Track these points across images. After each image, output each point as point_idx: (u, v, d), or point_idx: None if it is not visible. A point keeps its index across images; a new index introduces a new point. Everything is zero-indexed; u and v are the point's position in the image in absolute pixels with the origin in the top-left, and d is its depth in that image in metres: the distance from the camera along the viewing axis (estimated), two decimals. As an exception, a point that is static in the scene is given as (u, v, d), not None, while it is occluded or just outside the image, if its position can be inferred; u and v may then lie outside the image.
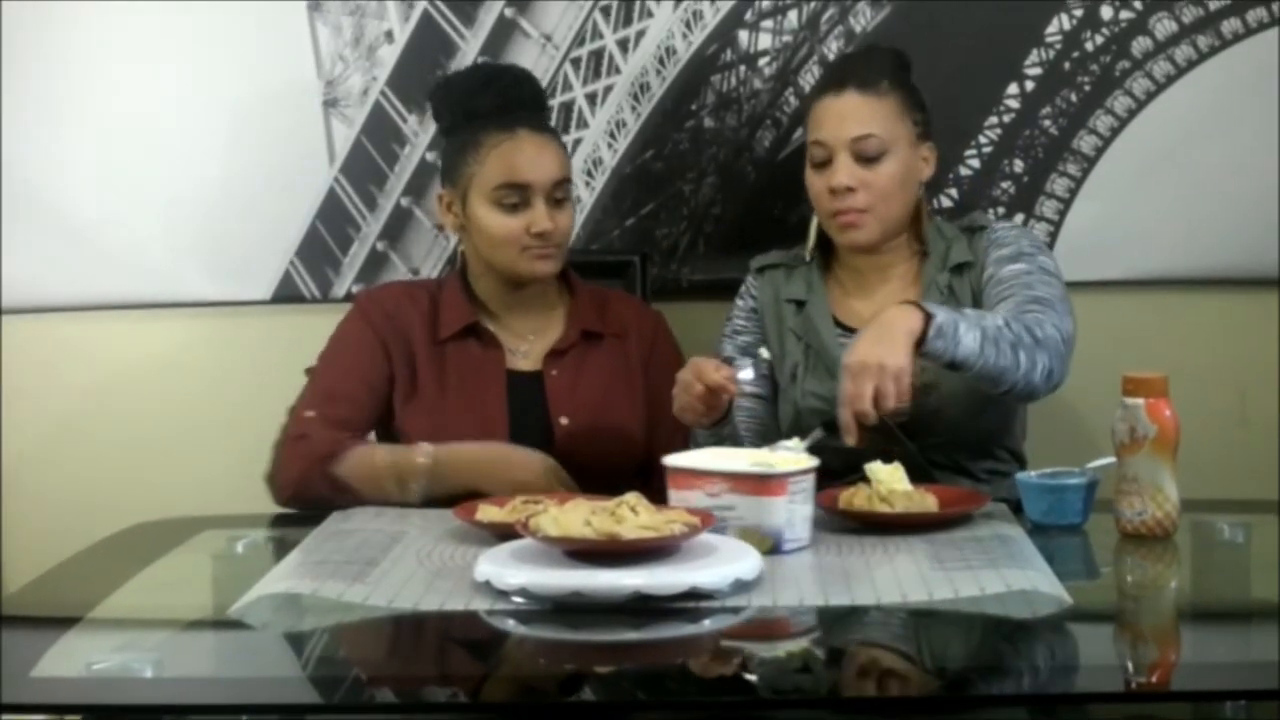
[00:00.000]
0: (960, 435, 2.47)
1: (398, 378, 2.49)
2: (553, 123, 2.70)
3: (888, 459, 2.24)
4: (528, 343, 2.55)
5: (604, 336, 2.57)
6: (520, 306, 2.55)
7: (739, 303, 2.63)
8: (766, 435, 2.47)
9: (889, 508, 2.17)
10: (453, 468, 2.35)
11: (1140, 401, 2.13)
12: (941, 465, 2.48)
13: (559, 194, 2.49)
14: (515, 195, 2.47)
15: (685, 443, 2.39)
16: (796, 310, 2.56)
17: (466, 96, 2.52)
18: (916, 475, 2.27)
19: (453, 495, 2.30)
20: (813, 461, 2.09)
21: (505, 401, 2.48)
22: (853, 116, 2.47)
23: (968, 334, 2.22)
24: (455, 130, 2.53)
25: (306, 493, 2.40)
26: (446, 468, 2.35)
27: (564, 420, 2.49)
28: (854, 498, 2.20)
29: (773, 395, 2.56)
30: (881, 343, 2.17)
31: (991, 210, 2.95)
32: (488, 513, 2.22)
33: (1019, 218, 2.96)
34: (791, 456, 2.10)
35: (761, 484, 2.04)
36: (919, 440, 2.46)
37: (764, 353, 2.44)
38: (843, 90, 2.48)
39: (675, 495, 2.07)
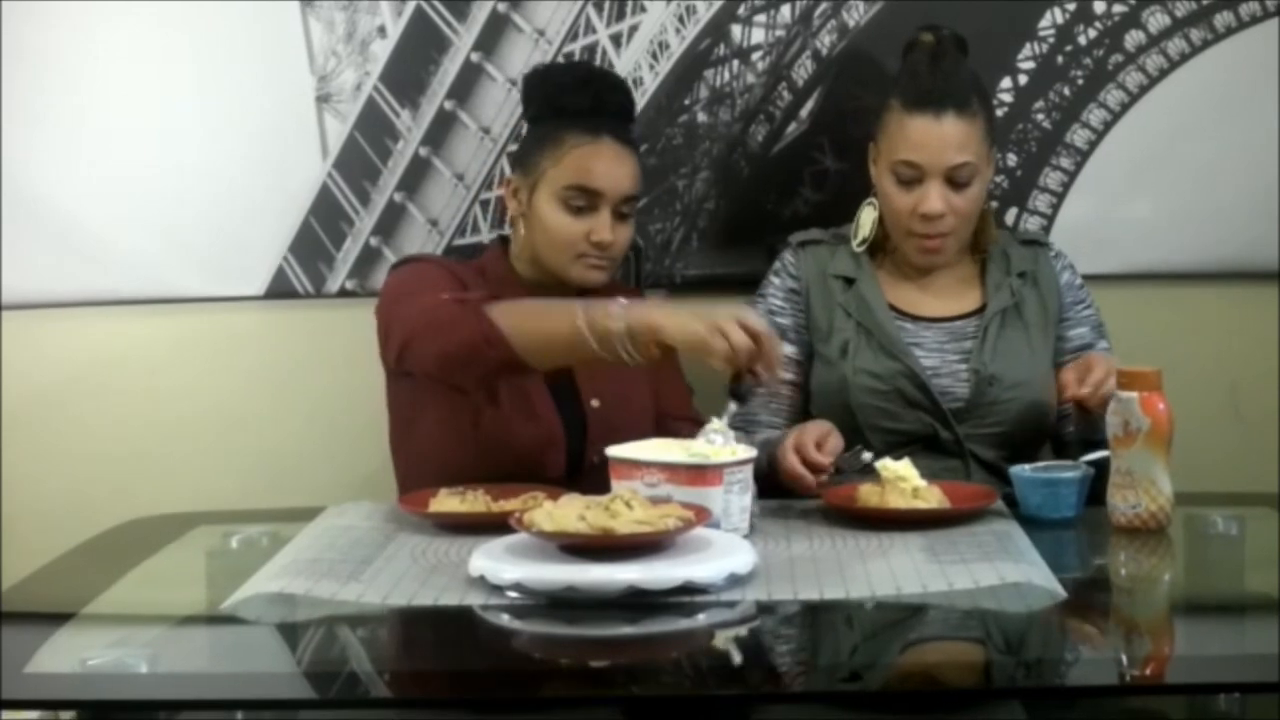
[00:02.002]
0: (1007, 431, 2.52)
1: None
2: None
3: (932, 446, 2.38)
4: None
5: None
6: (556, 293, 2.54)
7: (774, 280, 2.62)
8: (797, 421, 2.50)
9: (907, 503, 2.18)
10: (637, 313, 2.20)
11: (1134, 395, 2.14)
12: (983, 458, 2.52)
13: (625, 209, 2.48)
14: (584, 199, 2.46)
15: (687, 408, 2.52)
16: (845, 286, 2.58)
17: (559, 91, 2.51)
18: (957, 468, 2.41)
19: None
20: (750, 452, 2.11)
21: (548, 390, 2.48)
22: (953, 144, 2.47)
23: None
24: (540, 121, 2.53)
25: (470, 348, 2.25)
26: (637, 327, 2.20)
27: (595, 403, 2.50)
28: (868, 494, 2.21)
29: (804, 380, 2.58)
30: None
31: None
32: (443, 503, 2.22)
33: (1012, 212, 2.96)
34: (727, 446, 2.10)
35: (698, 474, 2.05)
36: (966, 428, 2.50)
37: (867, 456, 2.33)
38: (942, 113, 2.46)
39: (616, 486, 2.08)
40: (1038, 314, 2.57)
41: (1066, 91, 2.96)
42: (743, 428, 2.48)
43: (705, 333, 2.13)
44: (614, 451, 2.12)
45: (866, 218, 2.58)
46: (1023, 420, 2.52)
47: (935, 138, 2.47)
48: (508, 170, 2.62)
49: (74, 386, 3.03)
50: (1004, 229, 2.72)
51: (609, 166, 2.46)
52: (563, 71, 2.59)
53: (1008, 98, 2.95)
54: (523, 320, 2.25)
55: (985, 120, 2.52)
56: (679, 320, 2.16)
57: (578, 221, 2.46)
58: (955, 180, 2.48)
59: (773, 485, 2.31)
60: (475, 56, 2.98)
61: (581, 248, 2.47)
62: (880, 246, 2.60)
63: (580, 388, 2.51)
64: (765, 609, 1.85)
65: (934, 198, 2.48)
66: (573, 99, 2.50)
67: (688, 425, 2.53)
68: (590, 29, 2.97)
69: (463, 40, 2.98)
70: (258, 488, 2.94)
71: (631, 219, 2.51)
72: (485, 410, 2.41)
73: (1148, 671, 1.76)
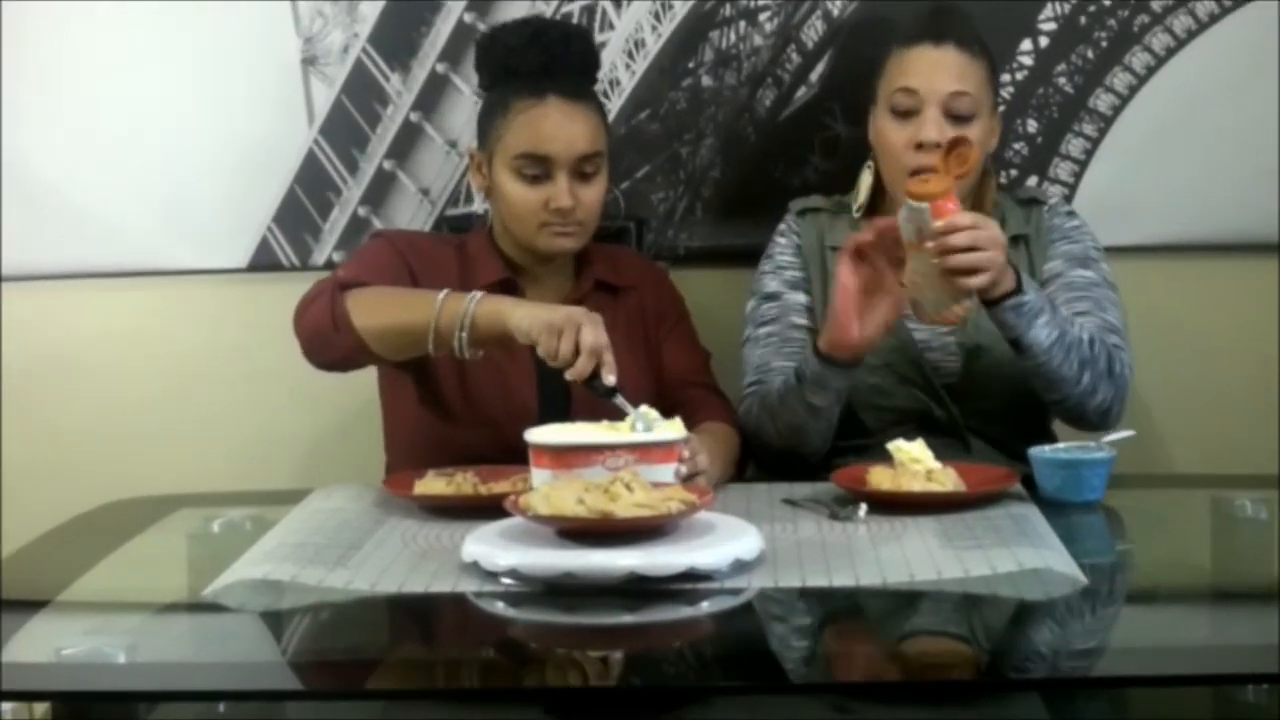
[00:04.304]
0: (1003, 407, 2.51)
1: None
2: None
3: (927, 424, 2.36)
4: (550, 300, 2.54)
5: (618, 290, 2.58)
6: (542, 267, 2.55)
7: (781, 240, 2.64)
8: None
9: (921, 486, 2.17)
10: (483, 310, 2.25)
11: (924, 206, 2.23)
12: (981, 436, 2.52)
13: (587, 168, 2.46)
14: (536, 167, 2.45)
15: (707, 384, 2.55)
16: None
17: (508, 52, 2.49)
18: (954, 446, 2.38)
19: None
20: (680, 430, 2.12)
21: (531, 361, 2.48)
22: (952, 71, 2.48)
23: (1045, 326, 2.33)
24: (493, 87, 2.52)
25: (319, 327, 2.33)
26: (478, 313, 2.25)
27: None
28: (880, 478, 2.21)
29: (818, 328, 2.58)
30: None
31: (1004, 174, 2.94)
32: (429, 485, 2.22)
33: (1032, 180, 2.95)
34: (654, 424, 2.10)
35: (666, 452, 2.07)
36: (961, 405, 2.51)
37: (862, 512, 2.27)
38: (942, 42, 2.49)
39: (544, 476, 2.04)
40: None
41: (1089, 54, 2.95)
42: (760, 379, 2.50)
43: (542, 330, 2.16)
44: (539, 436, 2.09)
45: (864, 181, 2.58)
46: (1020, 394, 2.49)
47: (933, 63, 2.48)
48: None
49: (48, 362, 3.03)
50: (1002, 190, 2.70)
51: (557, 128, 2.44)
52: (511, 32, 2.55)
53: (1028, 60, 2.94)
54: (378, 307, 2.31)
55: (987, 68, 2.52)
56: (526, 312, 2.19)
57: (534, 190, 2.45)
58: (954, 112, 2.48)
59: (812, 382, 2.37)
60: (469, 17, 2.97)
61: (543, 217, 2.46)
62: (879, 212, 2.60)
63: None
64: (771, 597, 1.84)
65: (931, 125, 2.47)
66: (521, 59, 2.48)
67: (702, 394, 2.54)
68: (590, -12, 2.96)
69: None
70: (241, 469, 2.94)
71: (599, 175, 2.48)
72: (453, 384, 2.43)
73: (1172, 662, 1.75)
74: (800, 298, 2.59)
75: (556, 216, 2.45)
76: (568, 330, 2.16)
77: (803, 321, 2.57)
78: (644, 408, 2.13)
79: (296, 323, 2.39)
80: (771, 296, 2.60)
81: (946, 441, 2.48)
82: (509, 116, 2.46)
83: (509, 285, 2.52)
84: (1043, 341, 2.34)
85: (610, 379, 2.16)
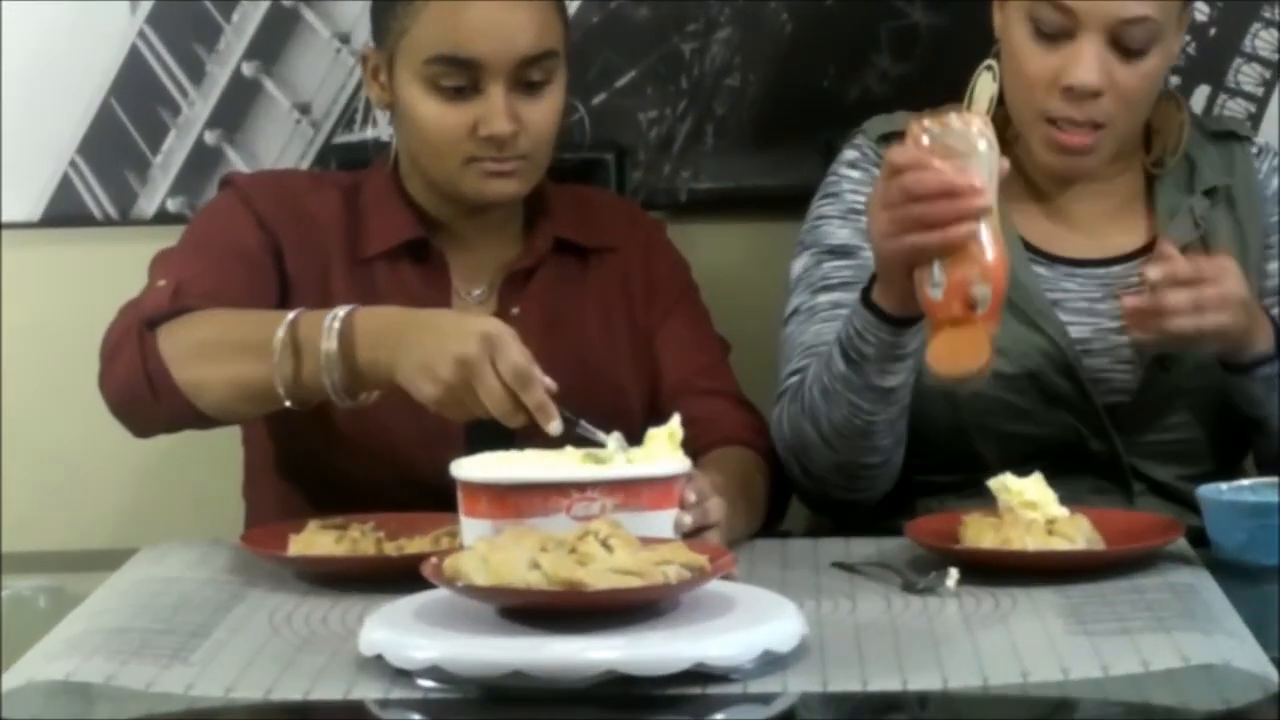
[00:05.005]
0: (1198, 440, 2.56)
1: (293, 298, 2.47)
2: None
3: (1076, 460, 2.45)
4: (483, 277, 2.56)
5: (588, 252, 2.59)
6: (471, 220, 2.56)
7: (852, 173, 2.63)
8: None
9: (1040, 542, 2.19)
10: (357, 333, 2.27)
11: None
12: (1149, 482, 2.55)
13: (534, 75, 2.47)
14: (458, 75, 2.45)
15: (724, 390, 2.56)
16: None
17: None
18: (1112, 492, 2.47)
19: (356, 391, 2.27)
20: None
21: None
22: None
23: None
24: None
25: (130, 390, 2.35)
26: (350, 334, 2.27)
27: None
28: (978, 530, 2.22)
29: None
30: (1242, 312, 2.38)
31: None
32: (311, 542, 2.23)
33: (1202, 92, 2.96)
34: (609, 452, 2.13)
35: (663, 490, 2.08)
36: (1131, 435, 2.53)
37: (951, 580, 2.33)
38: None
39: (485, 527, 2.05)
40: (1235, 249, 2.57)
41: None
42: (804, 368, 2.49)
43: (433, 399, 2.16)
44: (472, 471, 2.08)
45: (983, 89, 2.54)
46: (1217, 420, 2.53)
47: None
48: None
49: None
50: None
51: (487, 17, 2.44)
52: None
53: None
54: (209, 348, 2.30)
55: None
56: (411, 355, 2.18)
57: (456, 109, 2.46)
58: (1124, 43, 2.48)
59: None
60: None
61: (469, 148, 2.46)
62: (1001, 143, 2.60)
63: None
64: (819, 705, 1.85)
65: (1088, 62, 2.47)
66: None
67: (718, 405, 2.54)
68: None
69: None
70: (30, 516, 2.94)
71: (552, 86, 2.49)
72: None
73: None
74: None
75: (489, 147, 2.46)
76: (478, 369, 2.13)
77: None
78: (616, 435, 2.14)
79: (101, 378, 2.39)
80: (841, 251, 2.58)
81: (1101, 485, 2.51)
82: (416, 1, 2.46)
83: (419, 249, 2.53)
84: None
85: (553, 426, 2.15)
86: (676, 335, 2.61)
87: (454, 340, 2.15)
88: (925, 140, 2.21)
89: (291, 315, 2.26)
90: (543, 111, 2.48)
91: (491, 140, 2.45)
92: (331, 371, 2.22)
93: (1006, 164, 2.23)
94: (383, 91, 2.54)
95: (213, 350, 2.31)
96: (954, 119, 2.21)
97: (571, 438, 2.15)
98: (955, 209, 2.17)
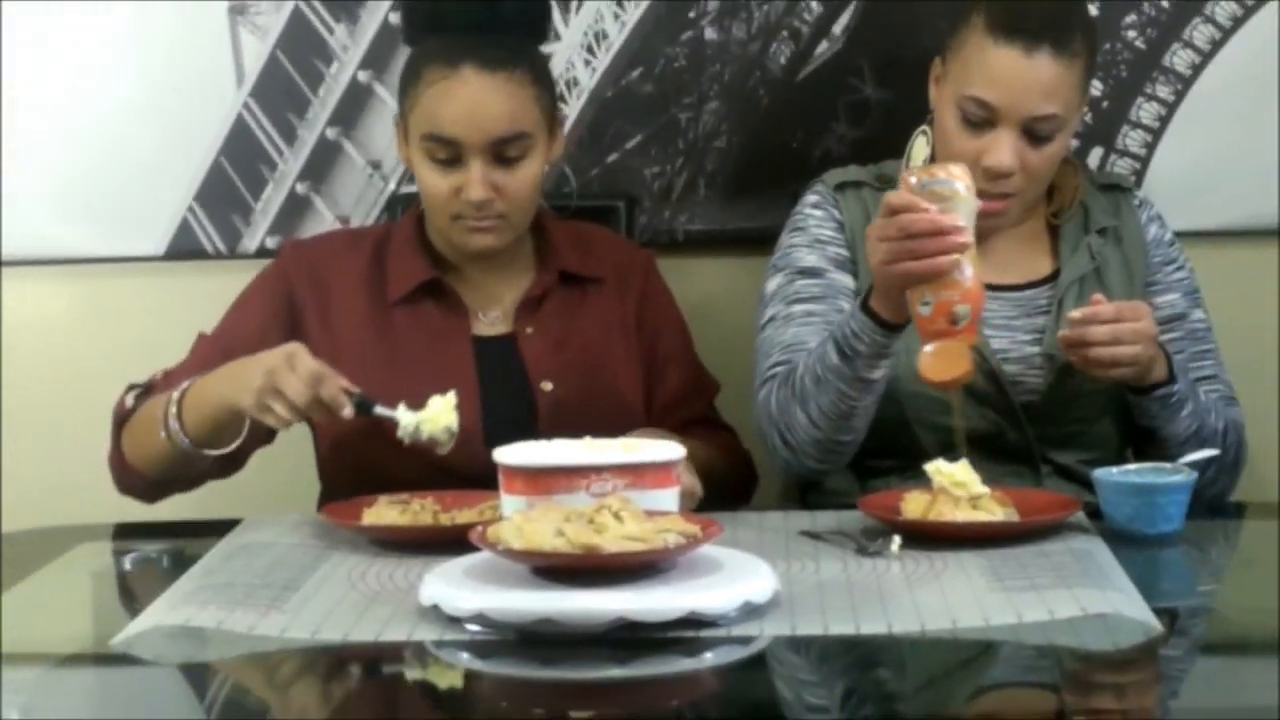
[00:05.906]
0: (1093, 432, 2.55)
1: (317, 350, 2.45)
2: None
3: (996, 449, 2.44)
4: (498, 304, 2.54)
5: (587, 281, 2.57)
6: (475, 264, 2.54)
7: (816, 213, 2.61)
8: None
9: (966, 515, 2.18)
10: (195, 389, 2.34)
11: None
12: (1054, 465, 2.54)
13: (511, 151, 2.43)
14: (445, 150, 2.43)
15: (701, 406, 2.56)
16: None
17: (433, 3, 2.48)
18: (1023, 474, 2.47)
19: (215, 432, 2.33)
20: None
21: (474, 371, 2.47)
22: (1040, 89, 2.45)
23: (1187, 419, 2.46)
24: (413, 43, 2.51)
25: (116, 479, 2.46)
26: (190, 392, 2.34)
27: (547, 385, 2.49)
28: (917, 505, 2.21)
29: None
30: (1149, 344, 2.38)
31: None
32: (381, 514, 2.23)
33: (1096, 153, 2.95)
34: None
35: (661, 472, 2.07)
36: (1041, 428, 2.52)
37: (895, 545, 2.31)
38: (1035, 50, 2.43)
39: (517, 502, 2.05)
40: (1122, 280, 2.57)
41: (1165, 2, 2.95)
42: (788, 360, 2.49)
43: (253, 405, 2.23)
44: (510, 456, 2.07)
45: (919, 150, 2.55)
46: (1110, 416, 2.53)
47: (1020, 78, 2.44)
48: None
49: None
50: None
51: (468, 105, 2.41)
52: None
53: (1093, 9, 2.94)
54: (139, 433, 2.40)
55: (1086, 63, 2.50)
56: (235, 387, 2.26)
57: (444, 177, 2.44)
58: (1034, 133, 2.47)
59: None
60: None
61: (454, 207, 2.44)
62: None
63: (528, 365, 2.50)
64: (788, 647, 1.84)
65: (1004, 149, 2.46)
66: (448, 9, 2.45)
67: (700, 430, 2.53)
68: (571, -77, 2.96)
69: (412, -63, 2.97)
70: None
71: (528, 159, 2.44)
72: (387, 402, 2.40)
73: (1264, 724, 1.75)
74: (847, 280, 2.56)
75: (470, 209, 2.43)
76: (279, 373, 2.21)
77: (849, 306, 2.52)
78: (402, 406, 2.25)
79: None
80: (811, 272, 2.57)
81: (1015, 469, 2.50)
82: (419, 87, 2.44)
83: (435, 287, 2.51)
84: (1180, 434, 2.44)
85: (346, 412, 2.24)
86: (665, 369, 2.59)
87: (262, 360, 2.25)
88: (915, 183, 2.22)
89: (176, 394, 2.34)
90: (519, 180, 2.45)
91: (470, 204, 2.43)
92: (175, 435, 2.32)
93: (980, 205, 2.25)
94: (406, 152, 2.52)
95: (141, 433, 2.39)
96: (939, 170, 2.23)
97: (373, 418, 2.25)
98: (942, 244, 2.19)
